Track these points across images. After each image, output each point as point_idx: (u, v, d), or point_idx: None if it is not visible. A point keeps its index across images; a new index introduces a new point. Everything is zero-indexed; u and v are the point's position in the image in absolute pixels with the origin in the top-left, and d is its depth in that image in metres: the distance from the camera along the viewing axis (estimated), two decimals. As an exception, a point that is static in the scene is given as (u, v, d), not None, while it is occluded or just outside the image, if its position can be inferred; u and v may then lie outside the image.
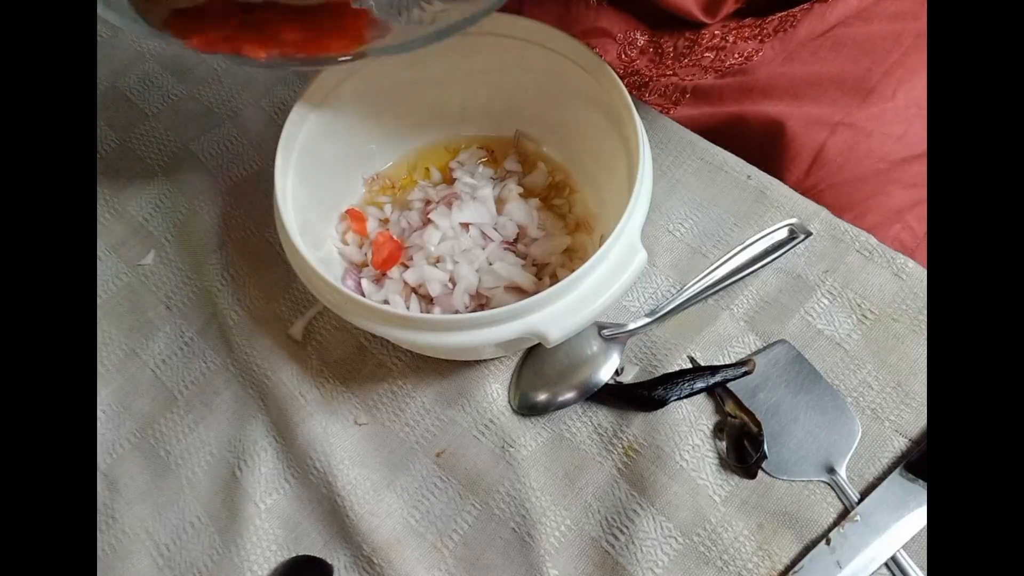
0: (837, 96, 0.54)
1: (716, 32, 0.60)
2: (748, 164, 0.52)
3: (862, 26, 0.56)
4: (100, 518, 0.44)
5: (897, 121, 0.53)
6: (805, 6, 0.58)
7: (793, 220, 0.49)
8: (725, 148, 0.53)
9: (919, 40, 0.54)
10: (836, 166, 0.53)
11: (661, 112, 0.58)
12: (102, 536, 0.43)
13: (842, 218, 0.49)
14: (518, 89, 0.49)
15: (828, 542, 0.40)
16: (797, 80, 0.56)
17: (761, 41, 0.58)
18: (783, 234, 0.48)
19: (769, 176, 0.51)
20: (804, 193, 0.51)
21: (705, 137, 0.54)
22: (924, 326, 0.45)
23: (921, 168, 0.53)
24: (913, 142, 0.53)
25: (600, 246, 0.37)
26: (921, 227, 0.53)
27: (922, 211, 0.53)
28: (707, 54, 0.60)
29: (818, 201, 0.50)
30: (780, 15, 0.58)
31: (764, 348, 0.46)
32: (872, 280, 0.47)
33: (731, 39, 0.59)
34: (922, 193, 0.53)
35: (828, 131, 0.53)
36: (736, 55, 0.59)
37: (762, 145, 0.54)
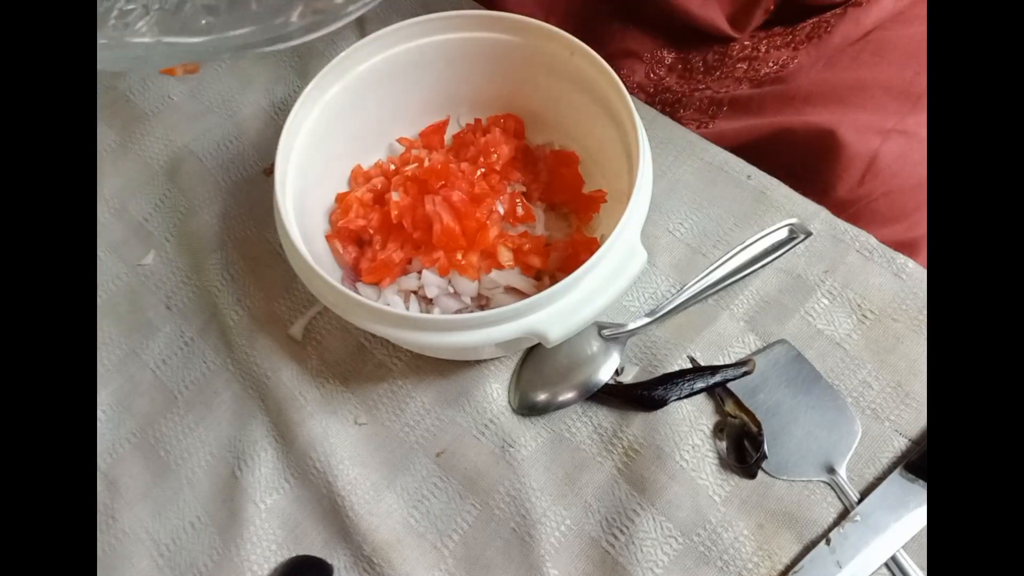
0: (886, 102, 0.53)
1: (747, 43, 0.59)
2: (748, 164, 0.52)
3: (901, 29, 0.55)
4: (100, 518, 0.44)
5: None
6: (838, 11, 0.56)
7: (793, 220, 0.49)
8: (771, 160, 0.52)
9: None
10: (890, 174, 0.52)
11: (699, 128, 0.57)
12: (102, 536, 0.43)
13: (896, 227, 0.48)
14: (518, 88, 0.49)
15: (828, 542, 0.40)
16: (841, 87, 0.54)
17: (795, 48, 0.57)
18: (783, 234, 0.48)
19: (769, 176, 0.51)
20: (857, 201, 0.50)
21: (749, 149, 0.53)
22: (924, 326, 0.45)
23: None
24: None
25: (600, 246, 0.37)
26: None
27: None
28: (739, 65, 0.58)
29: (872, 209, 0.49)
30: (812, 21, 0.57)
31: (764, 348, 0.46)
32: (872, 280, 0.47)
33: (763, 48, 0.58)
34: None
35: (881, 138, 0.52)
36: (771, 63, 0.57)
37: (811, 154, 0.53)
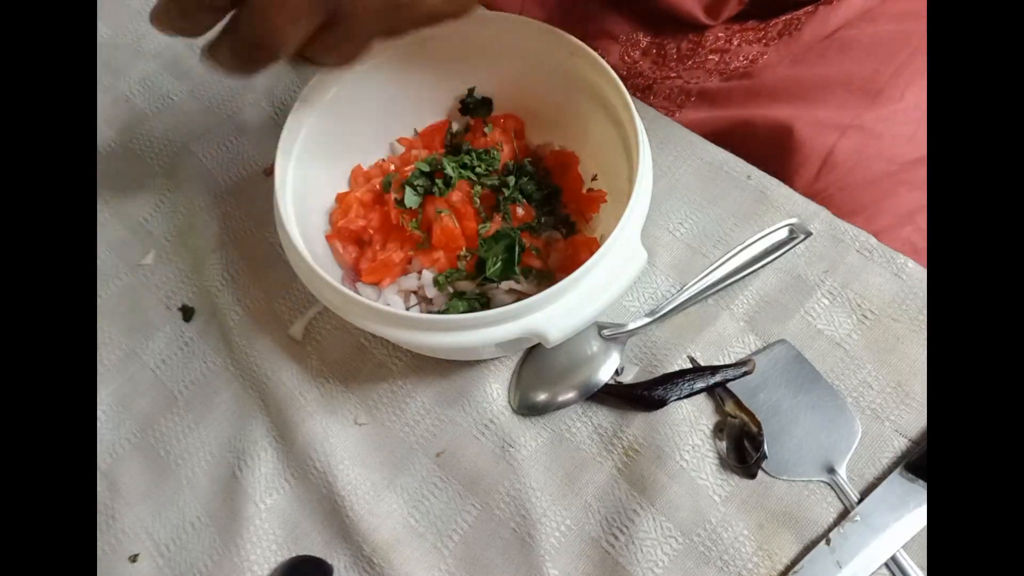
0: (845, 98, 0.54)
1: (720, 34, 0.59)
2: (748, 164, 0.52)
3: (868, 27, 0.56)
4: (100, 518, 0.44)
5: (906, 122, 0.53)
6: (809, 8, 0.57)
7: (793, 220, 0.49)
8: (732, 152, 0.52)
9: (926, 40, 0.54)
10: (846, 169, 0.53)
11: (666, 115, 0.58)
12: (102, 536, 0.43)
13: (853, 221, 0.49)
14: (518, 87, 0.49)
15: (828, 542, 0.40)
16: (804, 83, 0.55)
17: (766, 44, 0.57)
18: (783, 234, 0.48)
19: (769, 176, 0.51)
20: (814, 196, 0.50)
21: (711, 141, 0.53)
22: (924, 326, 0.45)
23: None
24: (923, 143, 0.53)
25: (600, 246, 0.37)
26: None
27: None
28: (711, 56, 0.59)
29: (828, 204, 0.50)
30: (784, 18, 0.58)
31: (764, 348, 0.46)
32: (872, 280, 0.47)
33: (735, 42, 0.59)
34: None
35: (838, 134, 0.53)
36: (741, 58, 0.58)
37: (770, 149, 0.54)
